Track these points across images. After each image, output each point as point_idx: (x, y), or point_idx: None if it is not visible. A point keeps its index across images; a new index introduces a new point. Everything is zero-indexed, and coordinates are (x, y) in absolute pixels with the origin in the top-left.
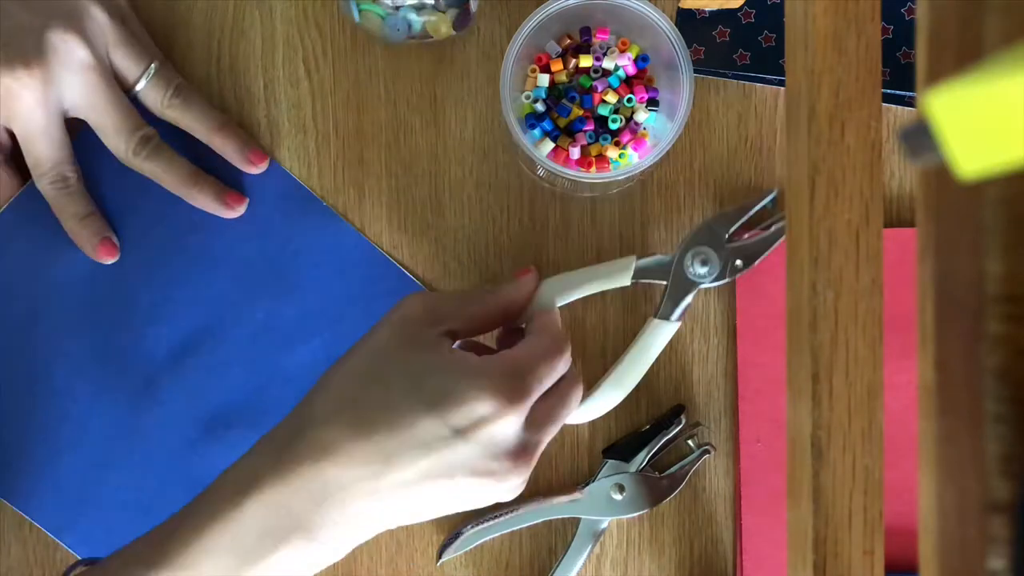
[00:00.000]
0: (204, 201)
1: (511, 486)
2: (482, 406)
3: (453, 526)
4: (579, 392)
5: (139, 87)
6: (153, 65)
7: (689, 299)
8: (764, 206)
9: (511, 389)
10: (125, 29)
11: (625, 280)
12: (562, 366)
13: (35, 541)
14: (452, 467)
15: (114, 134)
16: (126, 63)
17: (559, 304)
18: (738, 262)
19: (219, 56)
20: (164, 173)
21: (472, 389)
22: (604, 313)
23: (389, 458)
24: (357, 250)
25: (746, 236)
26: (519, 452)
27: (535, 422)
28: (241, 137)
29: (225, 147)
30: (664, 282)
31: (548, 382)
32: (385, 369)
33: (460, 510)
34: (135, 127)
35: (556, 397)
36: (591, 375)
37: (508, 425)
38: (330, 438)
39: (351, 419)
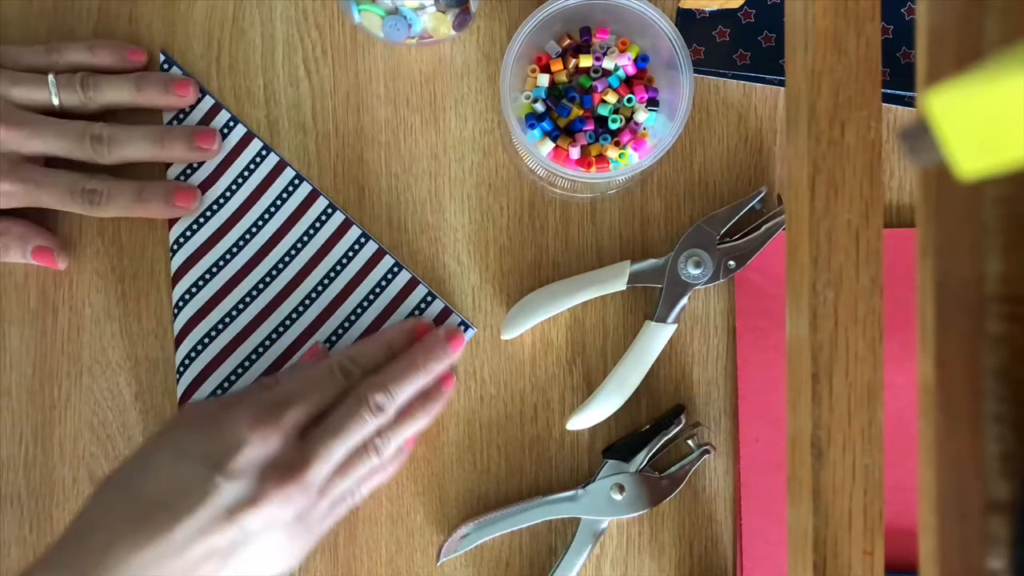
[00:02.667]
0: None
1: (299, 508)
2: (236, 433)
3: (453, 526)
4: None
5: (55, 103)
6: (50, 77)
7: (684, 301)
8: (752, 207)
9: (265, 412)
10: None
11: (620, 285)
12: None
13: (35, 542)
14: (229, 508)
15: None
16: (27, 93)
17: (554, 313)
18: (731, 263)
19: (219, 56)
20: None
21: (228, 422)
22: (603, 314)
23: (166, 525)
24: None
25: (737, 236)
26: (287, 467)
27: (311, 436)
28: (158, 79)
29: (150, 98)
30: (659, 285)
31: (312, 398)
32: (152, 455)
33: (278, 559)
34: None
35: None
36: (591, 376)
37: (266, 445)
38: (108, 538)
39: (124, 510)
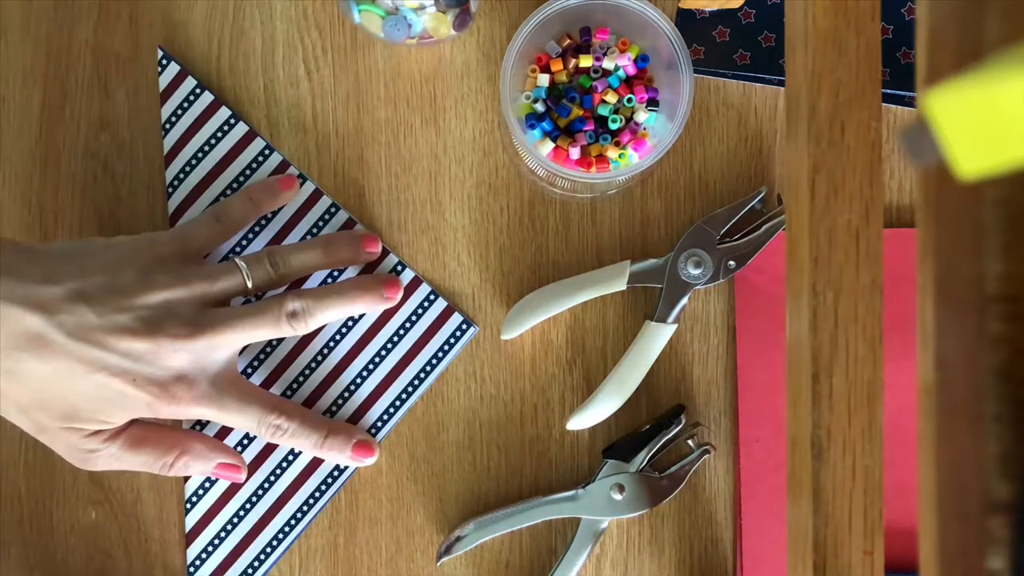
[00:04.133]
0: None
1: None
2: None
3: (453, 526)
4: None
5: (248, 285)
6: (239, 262)
7: (684, 301)
8: (752, 207)
9: None
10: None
11: (620, 285)
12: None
13: (35, 541)
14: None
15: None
16: (224, 285)
17: (554, 313)
18: (731, 263)
19: (219, 56)
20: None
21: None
22: (603, 314)
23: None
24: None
25: (737, 236)
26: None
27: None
28: (347, 241)
29: (340, 259)
30: (659, 285)
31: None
32: None
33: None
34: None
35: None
36: (591, 376)
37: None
38: None
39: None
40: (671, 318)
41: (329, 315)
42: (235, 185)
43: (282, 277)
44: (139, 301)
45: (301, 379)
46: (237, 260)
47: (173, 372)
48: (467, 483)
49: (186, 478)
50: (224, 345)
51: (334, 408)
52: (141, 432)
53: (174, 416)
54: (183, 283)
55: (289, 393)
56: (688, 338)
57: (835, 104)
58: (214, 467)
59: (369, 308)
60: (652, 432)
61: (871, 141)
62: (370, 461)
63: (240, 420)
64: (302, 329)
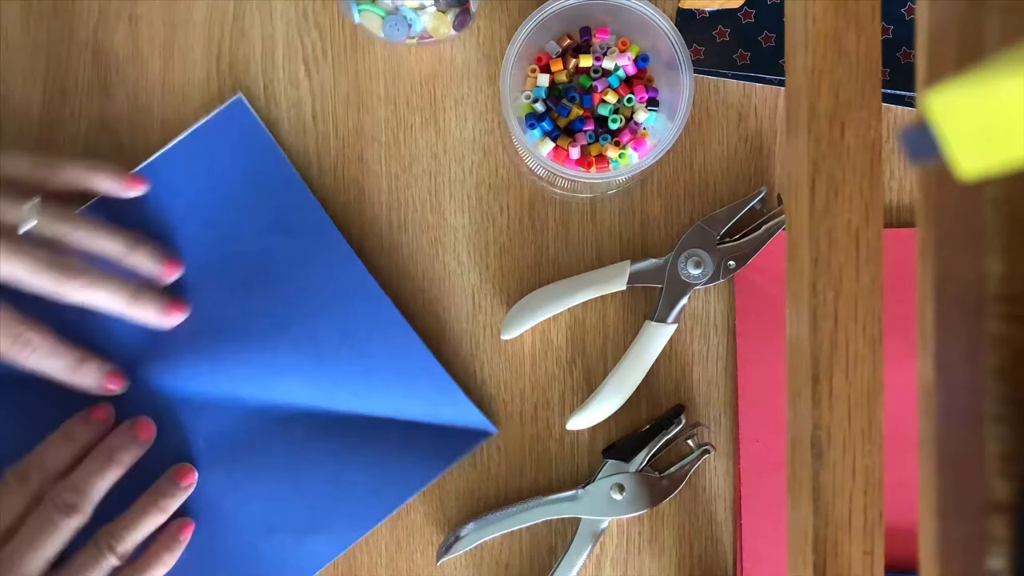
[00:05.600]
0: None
1: None
2: None
3: (453, 526)
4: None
5: (22, 229)
6: (32, 204)
7: (684, 301)
8: (753, 206)
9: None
10: None
11: (620, 285)
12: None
13: None
14: None
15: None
16: None
17: (554, 313)
18: (731, 263)
19: (219, 56)
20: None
21: None
22: (603, 314)
23: None
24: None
25: (737, 236)
26: None
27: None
28: (154, 252)
29: (140, 266)
30: (659, 285)
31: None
32: None
33: None
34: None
35: None
36: (591, 376)
37: None
38: None
39: None
40: (671, 318)
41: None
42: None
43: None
44: None
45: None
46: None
47: None
48: (467, 483)
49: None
50: None
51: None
52: None
53: None
54: None
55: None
56: (688, 338)
57: (835, 104)
58: None
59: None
60: (652, 432)
61: (871, 141)
62: (117, 389)
63: None
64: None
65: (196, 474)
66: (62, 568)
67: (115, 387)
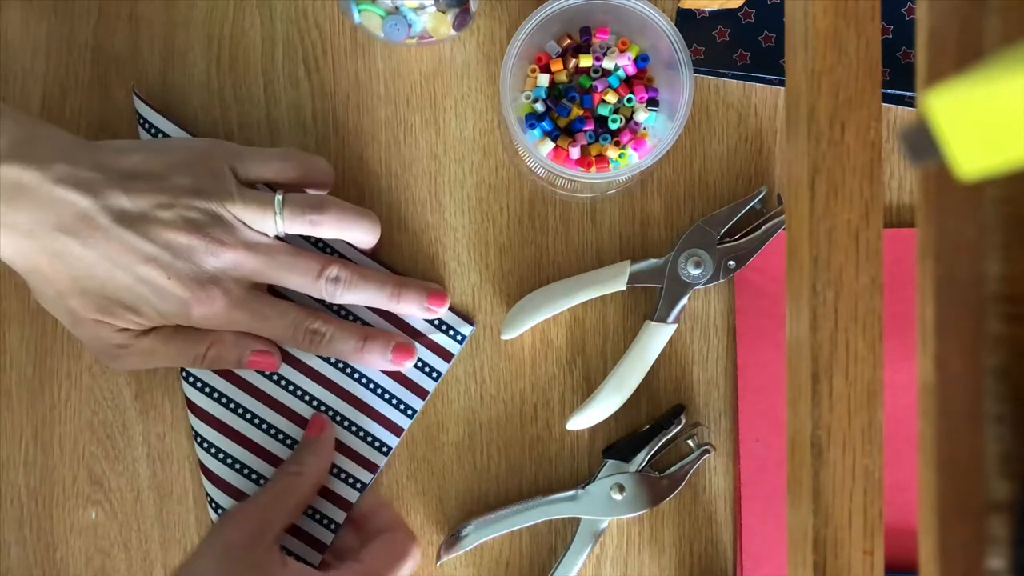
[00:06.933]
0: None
1: None
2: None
3: (453, 526)
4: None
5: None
6: (277, 198)
7: (684, 301)
8: (753, 206)
9: None
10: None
11: (620, 285)
12: (408, 567)
13: (35, 541)
14: None
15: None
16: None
17: (554, 313)
18: (731, 263)
19: (219, 56)
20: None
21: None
22: (603, 314)
23: None
24: None
25: (737, 236)
26: None
27: None
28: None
29: (408, 309)
30: (659, 285)
31: None
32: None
33: None
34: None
35: None
36: (591, 376)
37: None
38: None
39: None
40: (671, 318)
41: (365, 296)
42: None
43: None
44: (185, 201)
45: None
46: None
47: (209, 274)
48: (467, 483)
49: (211, 501)
50: (259, 265)
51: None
52: (172, 327)
53: (206, 321)
54: (235, 199)
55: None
56: (688, 338)
57: (835, 104)
58: (248, 356)
59: (406, 310)
60: (652, 432)
61: (871, 141)
62: (409, 364)
63: (276, 325)
64: (337, 297)
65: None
66: None
67: (402, 359)
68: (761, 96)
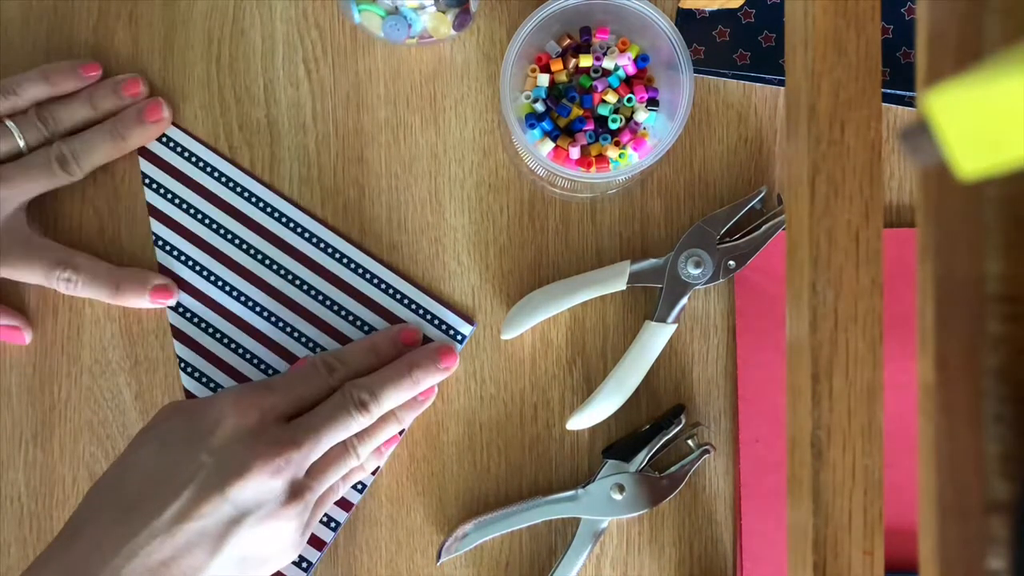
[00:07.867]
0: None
1: (289, 481)
2: (216, 414)
3: (453, 526)
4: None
5: (22, 147)
6: (9, 124)
7: (684, 301)
8: (752, 206)
9: (246, 393)
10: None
11: (620, 285)
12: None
13: (35, 541)
14: (216, 483)
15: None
16: None
17: (554, 313)
18: (731, 263)
19: (219, 56)
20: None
21: (210, 406)
22: (603, 314)
23: (154, 511)
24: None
25: (737, 236)
26: (274, 440)
27: (296, 423)
28: (107, 89)
29: (106, 108)
30: (659, 285)
31: (294, 387)
32: (136, 450)
33: (274, 546)
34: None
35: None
36: (591, 376)
37: (246, 417)
38: (96, 534)
39: (112, 505)
40: (671, 318)
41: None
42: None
43: (53, 134)
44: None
45: None
46: (7, 122)
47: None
48: (467, 483)
49: None
50: (2, 200)
51: None
52: None
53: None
54: None
55: None
56: (688, 338)
57: (835, 104)
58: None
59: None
60: (652, 432)
61: (871, 141)
62: (171, 301)
63: (29, 275)
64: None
65: (458, 358)
66: (316, 409)
67: (161, 297)
68: (761, 96)
